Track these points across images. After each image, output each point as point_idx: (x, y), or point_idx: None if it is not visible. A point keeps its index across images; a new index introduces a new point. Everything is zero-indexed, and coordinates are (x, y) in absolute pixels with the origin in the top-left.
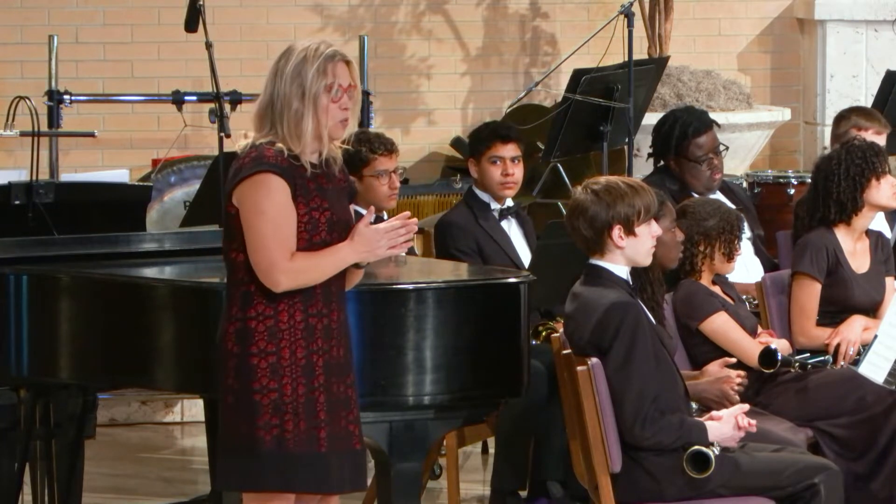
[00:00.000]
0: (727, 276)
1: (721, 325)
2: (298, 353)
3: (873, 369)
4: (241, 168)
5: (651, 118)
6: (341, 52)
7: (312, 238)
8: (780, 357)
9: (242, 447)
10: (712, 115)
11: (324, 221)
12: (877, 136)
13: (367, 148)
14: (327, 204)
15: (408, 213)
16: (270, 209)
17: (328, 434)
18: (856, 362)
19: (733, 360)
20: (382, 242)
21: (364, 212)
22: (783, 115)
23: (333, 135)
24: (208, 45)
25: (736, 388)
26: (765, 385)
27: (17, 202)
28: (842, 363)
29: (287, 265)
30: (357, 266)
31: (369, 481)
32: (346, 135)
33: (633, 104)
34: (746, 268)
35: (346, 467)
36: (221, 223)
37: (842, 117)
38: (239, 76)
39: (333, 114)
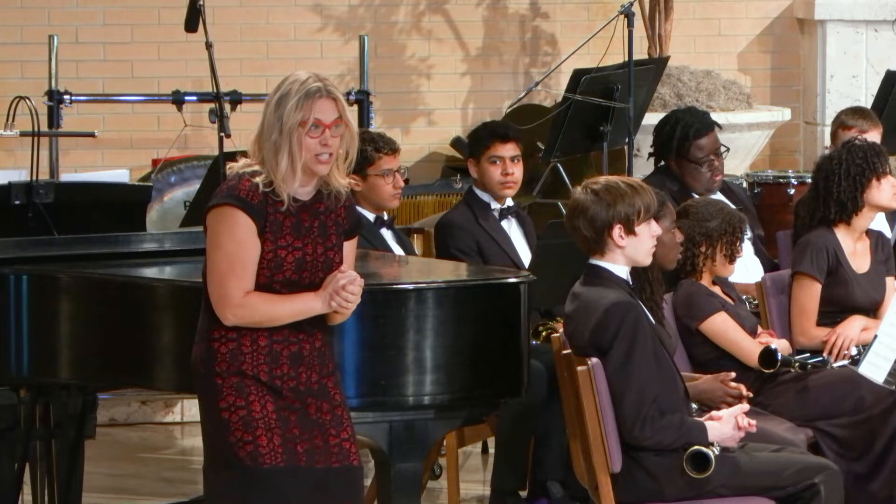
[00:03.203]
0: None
1: (721, 326)
2: (262, 377)
3: (873, 369)
4: (216, 194)
5: (651, 118)
6: (329, 87)
7: (274, 276)
8: (780, 357)
9: (219, 463)
10: (712, 116)
11: (291, 261)
12: (862, 136)
13: (371, 147)
14: (300, 243)
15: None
16: (228, 244)
17: (307, 449)
18: (856, 362)
19: (732, 374)
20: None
21: (368, 214)
22: (783, 115)
23: (311, 167)
24: (208, 45)
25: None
26: (765, 385)
27: (17, 202)
28: (841, 362)
29: (237, 302)
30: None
31: (369, 480)
32: (342, 170)
33: (633, 104)
34: (746, 268)
35: (347, 484)
36: None
37: (835, 118)
38: (239, 76)
39: (310, 148)
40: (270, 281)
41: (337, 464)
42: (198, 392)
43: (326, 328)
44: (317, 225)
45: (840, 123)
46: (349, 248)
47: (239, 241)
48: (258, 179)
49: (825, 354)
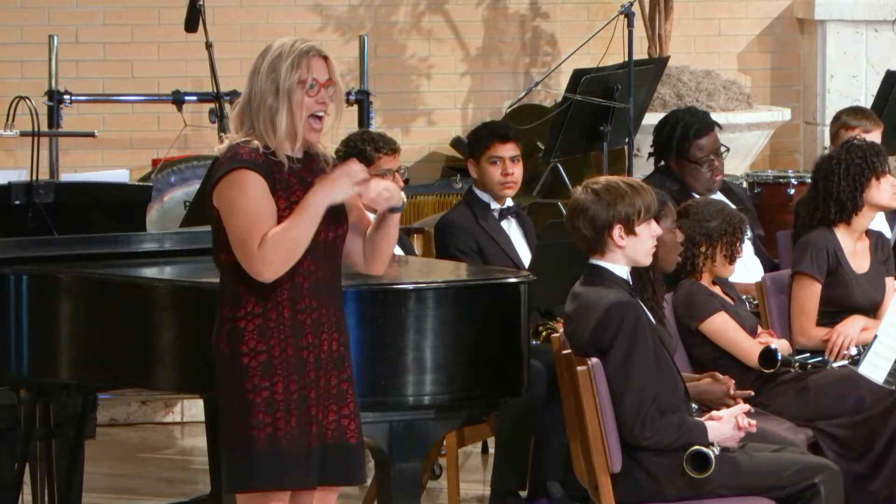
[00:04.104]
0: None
1: (721, 326)
2: (289, 351)
3: (873, 369)
4: (217, 168)
5: (651, 118)
6: (318, 47)
7: None
8: (780, 357)
9: (239, 447)
10: (712, 116)
11: None
12: (865, 136)
13: (371, 147)
14: None
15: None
16: (245, 205)
17: (318, 430)
18: (856, 362)
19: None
20: (344, 177)
21: (368, 214)
22: (783, 115)
23: (305, 135)
24: (208, 45)
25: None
26: (765, 385)
27: (17, 202)
28: (841, 362)
29: (261, 254)
30: (392, 210)
31: (369, 479)
32: (325, 132)
33: (633, 104)
34: (746, 268)
35: (338, 461)
36: None
37: (835, 118)
38: (239, 76)
39: (308, 107)
40: None
41: (335, 441)
42: (220, 375)
43: (340, 295)
44: (318, 179)
45: (842, 124)
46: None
47: (254, 199)
48: (255, 143)
49: (826, 354)
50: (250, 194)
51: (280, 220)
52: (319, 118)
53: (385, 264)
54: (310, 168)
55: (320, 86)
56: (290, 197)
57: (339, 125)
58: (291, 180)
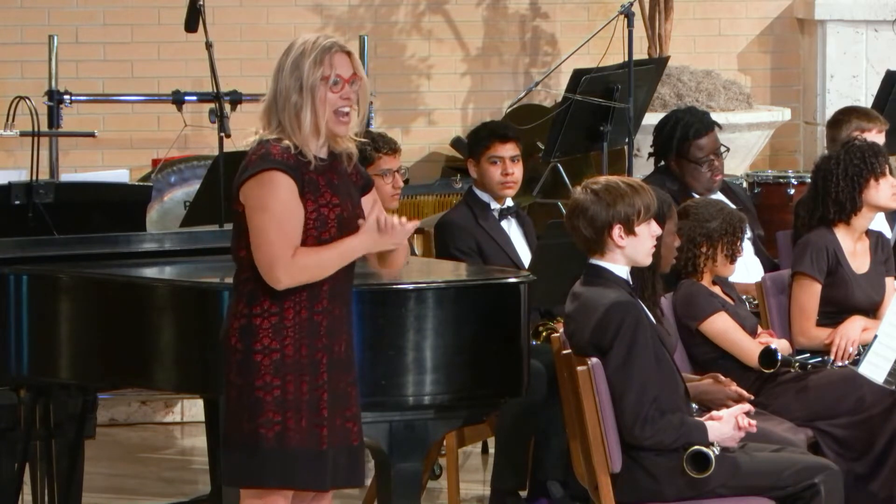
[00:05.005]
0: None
1: (721, 326)
2: (303, 351)
3: (873, 369)
4: (248, 165)
5: (651, 118)
6: (340, 43)
7: (321, 235)
8: (780, 357)
9: (244, 444)
10: (712, 116)
11: (333, 218)
12: (878, 136)
13: (371, 147)
14: (337, 200)
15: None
16: (274, 206)
17: (329, 431)
18: (856, 362)
19: (733, 384)
20: (388, 236)
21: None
22: (783, 115)
23: (332, 128)
24: (208, 45)
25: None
26: (765, 385)
27: (17, 202)
28: (842, 363)
29: (288, 262)
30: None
31: (369, 479)
32: (353, 128)
33: (633, 104)
34: (746, 268)
35: (343, 463)
36: (221, 223)
37: (839, 121)
38: (239, 76)
39: (333, 103)
40: (318, 242)
41: (341, 444)
42: (229, 370)
43: (349, 296)
44: (343, 183)
45: (857, 127)
46: (373, 200)
47: (283, 201)
48: (286, 143)
49: (831, 356)
50: (280, 196)
51: (308, 223)
52: (346, 113)
53: (401, 265)
54: (335, 169)
55: (344, 81)
56: (318, 199)
57: (364, 119)
58: (319, 182)
